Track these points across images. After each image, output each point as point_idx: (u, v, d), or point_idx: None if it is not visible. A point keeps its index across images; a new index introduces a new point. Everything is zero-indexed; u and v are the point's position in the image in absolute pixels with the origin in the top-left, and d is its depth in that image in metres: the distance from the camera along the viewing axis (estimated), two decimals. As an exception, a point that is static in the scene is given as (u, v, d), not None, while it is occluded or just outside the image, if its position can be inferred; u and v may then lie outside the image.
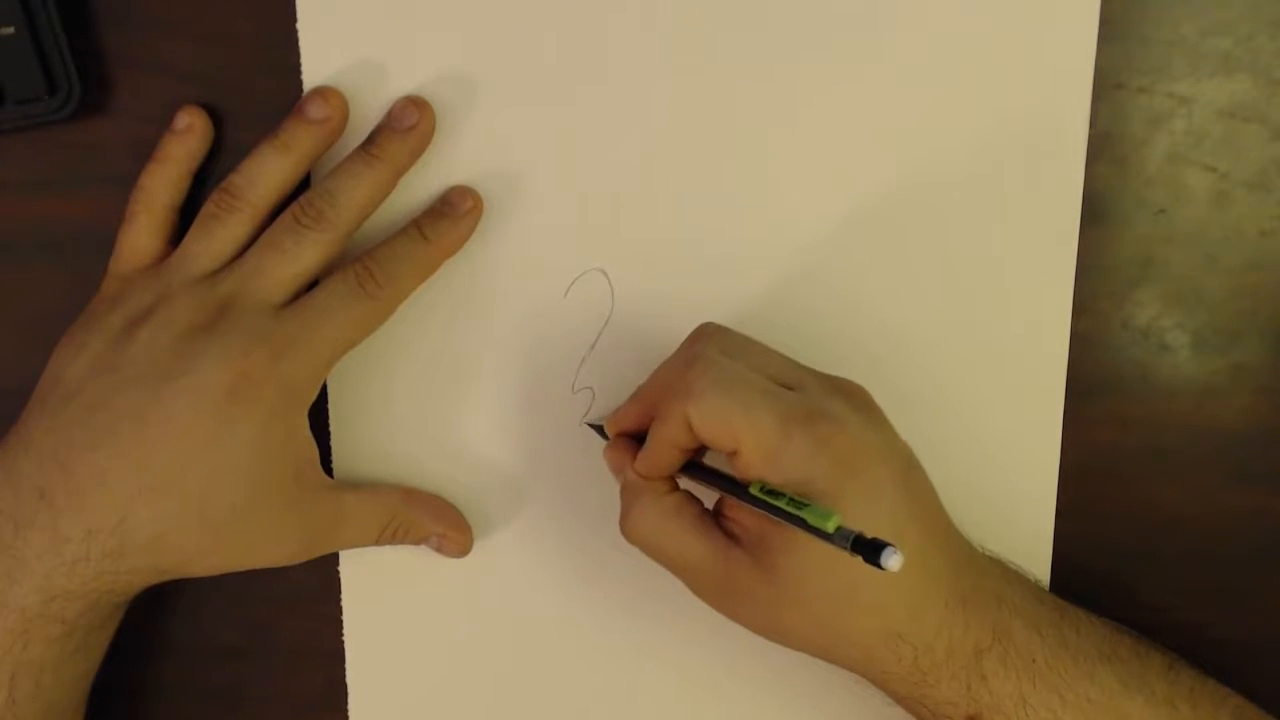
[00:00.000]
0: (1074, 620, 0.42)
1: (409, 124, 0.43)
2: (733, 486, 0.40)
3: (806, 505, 0.36)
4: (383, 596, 0.48)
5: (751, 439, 0.39)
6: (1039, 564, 0.47)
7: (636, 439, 0.43)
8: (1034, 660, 0.40)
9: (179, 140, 0.43)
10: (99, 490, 0.39)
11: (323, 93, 0.43)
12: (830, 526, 0.35)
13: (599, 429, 0.46)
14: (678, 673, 0.48)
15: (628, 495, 0.43)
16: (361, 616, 0.48)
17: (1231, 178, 0.45)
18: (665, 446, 0.41)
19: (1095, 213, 0.45)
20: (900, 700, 0.42)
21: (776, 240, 0.45)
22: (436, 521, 0.45)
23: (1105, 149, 0.45)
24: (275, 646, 0.48)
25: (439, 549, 0.46)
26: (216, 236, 0.42)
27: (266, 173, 0.42)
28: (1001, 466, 0.47)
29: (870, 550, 0.34)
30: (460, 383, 0.46)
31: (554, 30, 0.44)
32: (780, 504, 0.37)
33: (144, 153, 0.43)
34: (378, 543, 0.44)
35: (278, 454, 0.41)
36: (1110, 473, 0.47)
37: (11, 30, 0.41)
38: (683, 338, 0.45)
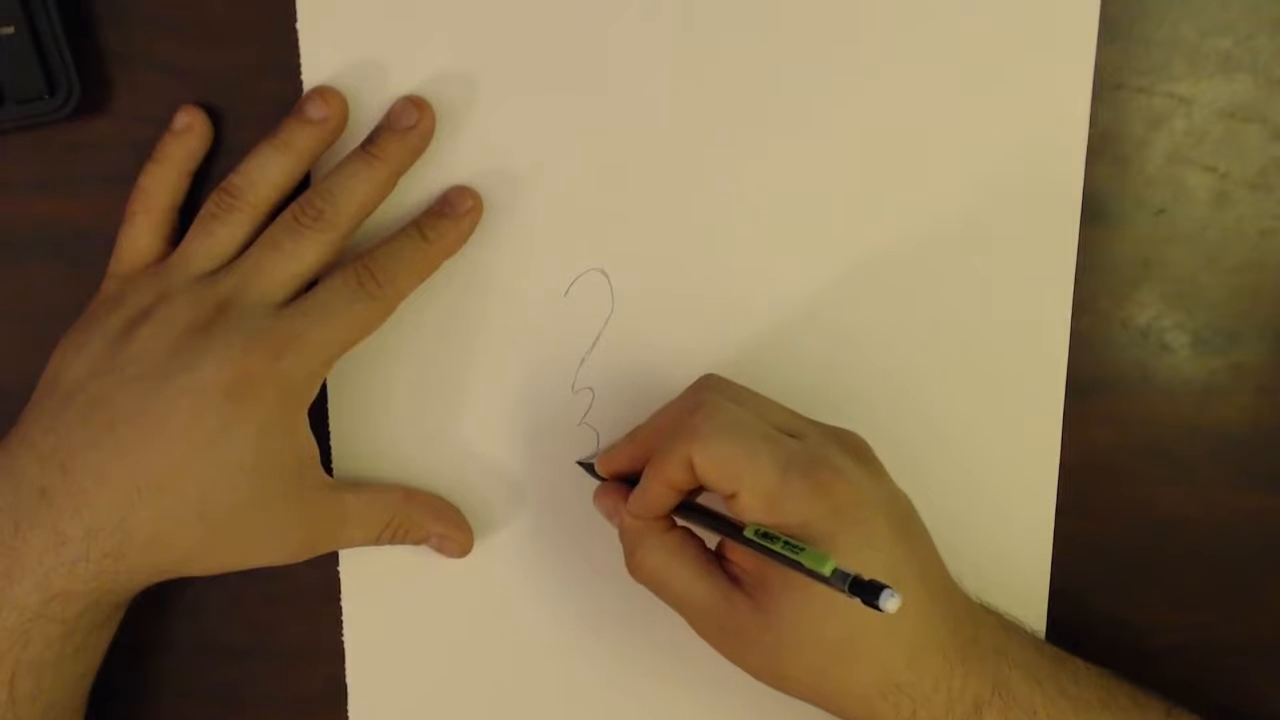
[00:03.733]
0: (1071, 670, 0.43)
1: (409, 124, 0.43)
2: (728, 528, 0.40)
3: (802, 549, 0.36)
4: (383, 596, 0.48)
5: (752, 483, 0.39)
6: (1039, 564, 0.47)
7: (628, 481, 0.43)
8: (1035, 712, 0.41)
9: (178, 140, 0.43)
10: (99, 490, 0.39)
11: (323, 93, 0.43)
12: (826, 569, 0.35)
13: (589, 467, 0.46)
14: (677, 672, 0.48)
15: (630, 536, 0.43)
16: (361, 616, 0.48)
17: (1231, 178, 0.45)
18: (662, 487, 0.41)
19: (1095, 213, 0.45)
20: None
21: (776, 238, 0.45)
22: (437, 521, 0.45)
23: (1105, 149, 0.45)
24: (275, 646, 0.48)
25: (439, 549, 0.46)
26: (216, 236, 0.42)
27: (266, 173, 0.42)
28: (1001, 466, 0.47)
29: (868, 592, 0.34)
30: (460, 383, 0.46)
31: (554, 30, 0.44)
32: (775, 547, 0.37)
33: (144, 153, 0.43)
34: (378, 542, 0.44)
35: (278, 453, 0.41)
36: (1110, 473, 0.47)
37: (11, 30, 0.41)
38: (683, 338, 0.45)
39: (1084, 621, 0.47)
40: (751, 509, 0.39)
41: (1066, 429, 0.47)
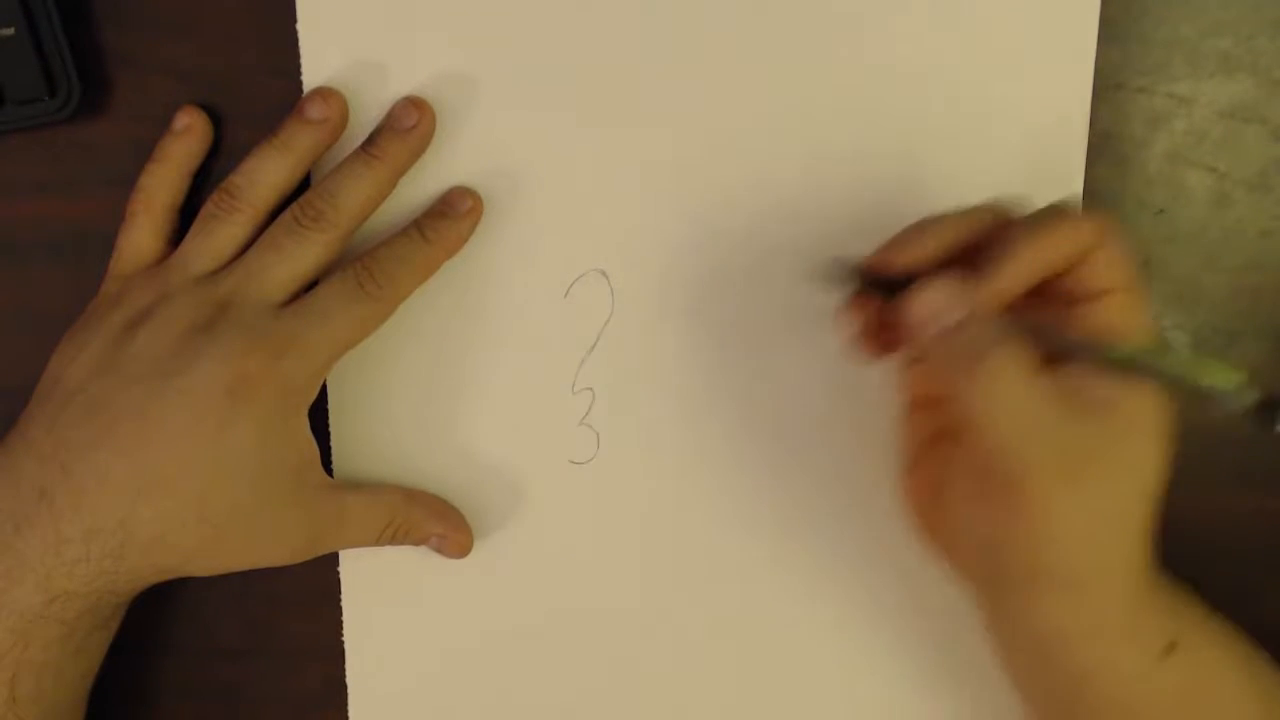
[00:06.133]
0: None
1: (409, 124, 0.43)
2: (1088, 346, 0.36)
3: (1200, 361, 0.34)
4: (383, 596, 0.48)
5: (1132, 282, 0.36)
6: (1039, 564, 0.47)
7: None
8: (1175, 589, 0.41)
9: (178, 140, 0.43)
10: (99, 490, 0.39)
11: (323, 93, 0.43)
12: (1235, 384, 0.33)
13: (858, 271, 0.39)
14: (677, 672, 0.48)
15: (979, 339, 0.35)
16: (361, 616, 0.48)
17: (1231, 178, 0.45)
18: (1038, 256, 0.36)
19: (1095, 213, 0.45)
20: (1097, 629, 0.38)
21: (776, 238, 0.45)
22: (437, 522, 0.45)
23: (1105, 149, 0.45)
24: (275, 646, 0.48)
25: (439, 549, 0.46)
26: (216, 236, 0.42)
27: (266, 173, 0.42)
28: (1001, 466, 0.47)
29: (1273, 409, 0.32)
30: (460, 383, 0.46)
31: (554, 30, 0.44)
32: (1174, 361, 0.34)
33: (144, 153, 0.43)
34: (378, 543, 0.44)
35: (278, 453, 0.41)
36: (1110, 473, 0.47)
37: (11, 30, 0.41)
38: (683, 338, 0.45)
39: (1084, 621, 0.47)
40: (1128, 307, 0.36)
41: (1067, 429, 0.46)
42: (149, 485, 0.39)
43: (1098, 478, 0.36)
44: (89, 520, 0.39)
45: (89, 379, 0.40)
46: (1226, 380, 0.33)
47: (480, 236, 0.45)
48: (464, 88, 0.44)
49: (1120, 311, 0.36)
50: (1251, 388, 0.32)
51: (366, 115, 0.44)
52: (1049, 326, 0.36)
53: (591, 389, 0.46)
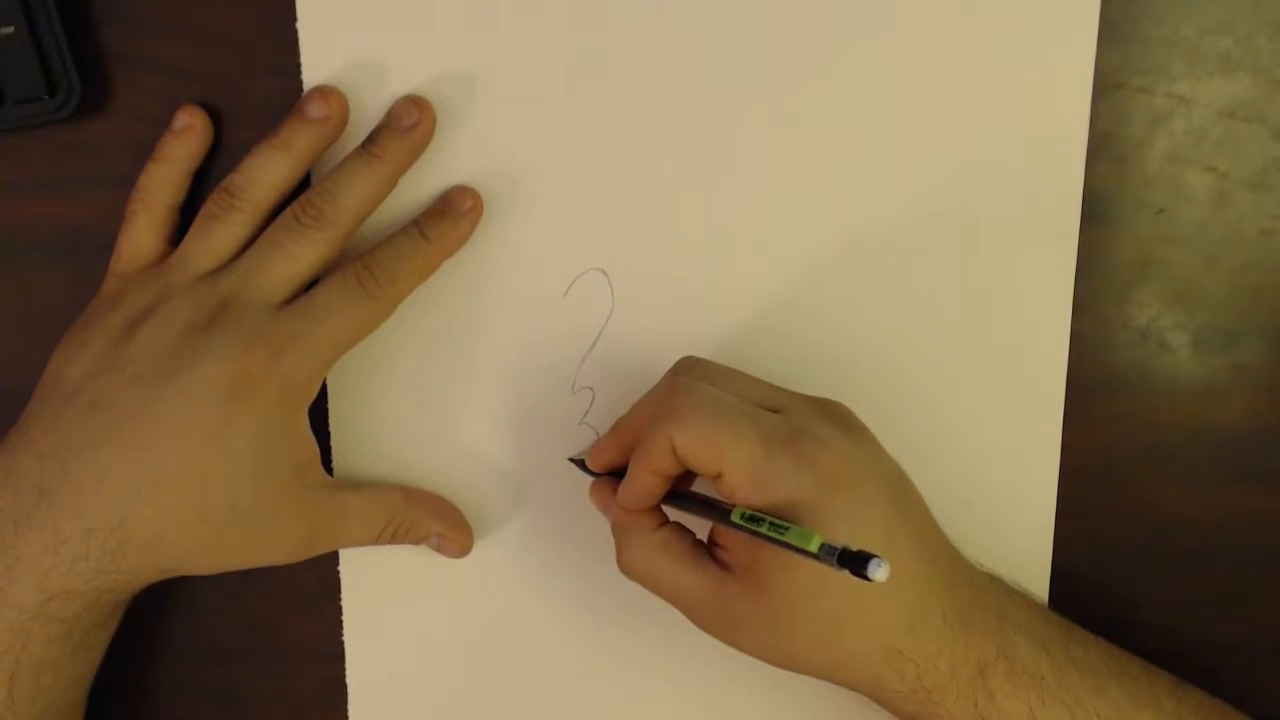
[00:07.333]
0: (1080, 638, 0.42)
1: (409, 123, 0.43)
2: (717, 513, 0.40)
3: (788, 528, 0.36)
4: (383, 596, 0.48)
5: (734, 460, 0.38)
6: (1039, 564, 0.47)
7: (620, 476, 0.43)
8: (1042, 677, 0.40)
9: (178, 140, 0.43)
10: (99, 489, 0.39)
11: (323, 92, 0.43)
12: (813, 546, 0.35)
13: (580, 463, 0.46)
14: (677, 672, 0.48)
15: (618, 533, 0.43)
16: (361, 616, 0.48)
17: (1231, 178, 0.45)
18: (647, 474, 0.41)
19: (1095, 213, 0.45)
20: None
21: (777, 238, 0.45)
22: (436, 521, 0.45)
23: (1105, 149, 0.45)
24: (275, 646, 0.48)
25: (439, 549, 0.46)
26: (216, 235, 0.42)
27: (266, 172, 0.42)
28: (1001, 466, 0.47)
29: (856, 563, 0.34)
30: (460, 383, 0.46)
31: (554, 30, 0.44)
32: (761, 529, 0.37)
33: (144, 153, 0.43)
34: (378, 542, 0.44)
35: (278, 452, 0.41)
36: (1110, 473, 0.47)
37: (11, 30, 0.41)
38: (682, 338, 0.45)
39: (1084, 621, 0.47)
40: (738, 488, 0.39)
41: (1066, 429, 0.47)
42: (148, 484, 0.39)
43: (750, 623, 0.40)
44: (88, 519, 0.39)
45: (89, 378, 0.40)
46: (804, 541, 0.35)
47: (480, 236, 0.45)
48: (464, 88, 0.44)
49: (727, 488, 0.39)
50: (830, 545, 0.35)
51: (366, 115, 0.44)
52: (704, 503, 0.41)
53: (591, 388, 0.46)
